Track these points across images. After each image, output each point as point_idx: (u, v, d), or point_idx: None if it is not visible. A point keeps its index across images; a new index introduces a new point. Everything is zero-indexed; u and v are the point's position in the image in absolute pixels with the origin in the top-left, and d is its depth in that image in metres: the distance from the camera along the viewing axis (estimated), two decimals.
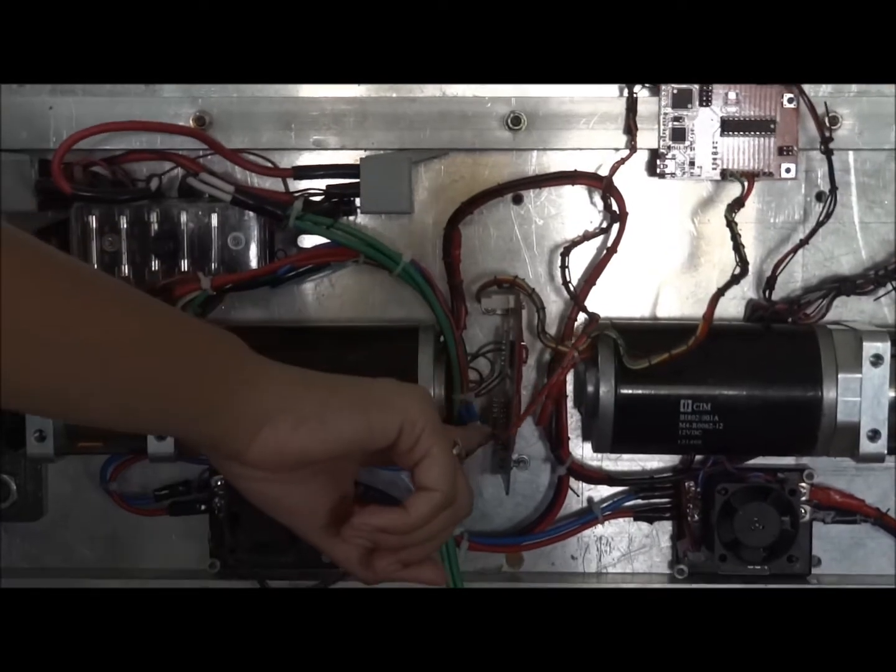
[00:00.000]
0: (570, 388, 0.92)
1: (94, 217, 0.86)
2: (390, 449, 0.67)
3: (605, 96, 0.89)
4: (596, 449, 0.90)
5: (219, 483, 0.92)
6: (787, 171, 0.88)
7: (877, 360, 0.84)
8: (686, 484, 0.92)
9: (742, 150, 0.88)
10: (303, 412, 0.64)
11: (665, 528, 0.95)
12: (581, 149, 0.90)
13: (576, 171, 0.90)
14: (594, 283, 0.90)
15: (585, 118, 0.88)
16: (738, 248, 0.84)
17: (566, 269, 0.88)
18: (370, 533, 0.67)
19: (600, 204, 0.91)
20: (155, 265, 0.87)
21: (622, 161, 0.88)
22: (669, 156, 0.89)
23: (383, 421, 0.66)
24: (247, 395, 0.63)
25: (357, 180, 0.89)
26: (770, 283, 0.90)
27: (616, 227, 0.89)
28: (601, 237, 0.91)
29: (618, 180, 0.89)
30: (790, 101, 0.87)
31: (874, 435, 0.84)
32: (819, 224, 0.88)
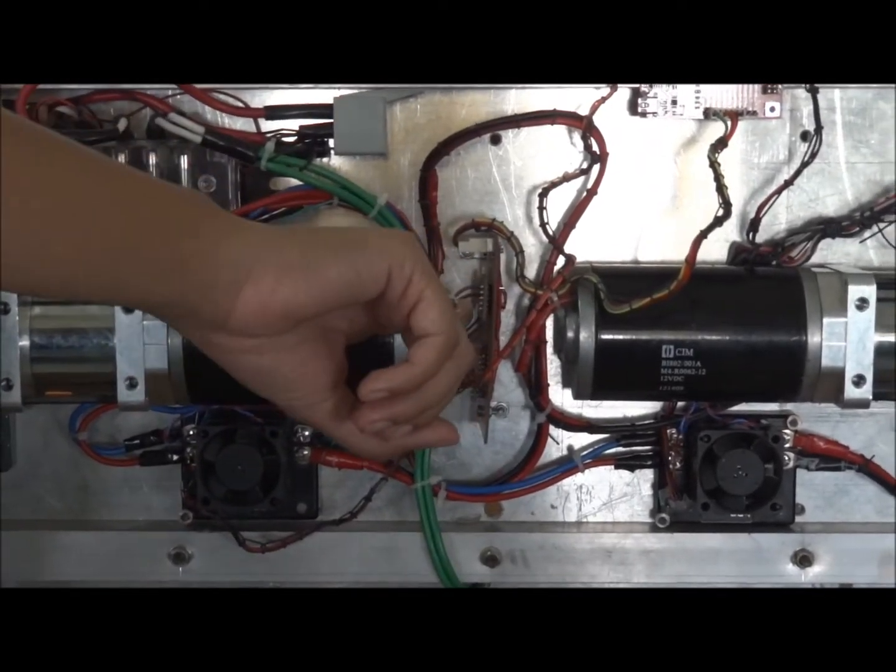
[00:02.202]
0: (549, 334, 0.90)
1: None
2: (381, 299, 0.64)
3: None
4: (576, 396, 0.89)
5: (191, 432, 0.91)
6: (772, 109, 0.87)
7: (862, 303, 0.83)
8: (668, 431, 0.91)
9: (725, 89, 0.87)
10: (285, 261, 0.61)
11: (647, 476, 0.94)
12: (561, 86, 0.88)
13: (555, 109, 0.88)
14: (574, 226, 0.88)
15: None
16: (721, 189, 0.83)
17: (544, 211, 0.87)
18: (385, 411, 0.64)
19: (580, 144, 0.89)
20: None
21: (603, 100, 0.87)
22: (651, 94, 0.87)
23: (370, 263, 0.62)
24: (224, 246, 0.60)
25: (331, 121, 0.87)
26: (754, 225, 0.88)
27: (596, 167, 0.87)
28: (581, 178, 0.89)
29: (598, 119, 0.87)
30: None
31: (859, 380, 0.84)
32: (804, 164, 0.87)
